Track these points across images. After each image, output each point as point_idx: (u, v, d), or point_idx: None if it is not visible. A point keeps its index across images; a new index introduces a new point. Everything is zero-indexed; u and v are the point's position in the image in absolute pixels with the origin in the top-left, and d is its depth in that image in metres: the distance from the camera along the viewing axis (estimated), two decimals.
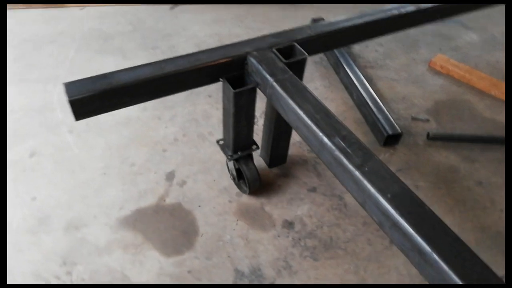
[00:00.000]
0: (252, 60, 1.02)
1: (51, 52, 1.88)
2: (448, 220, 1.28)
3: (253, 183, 1.27)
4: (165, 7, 2.28)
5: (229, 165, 1.33)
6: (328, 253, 1.18)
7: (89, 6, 2.24)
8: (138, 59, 1.87)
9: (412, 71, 1.93)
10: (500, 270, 1.13)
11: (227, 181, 1.35)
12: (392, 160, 1.47)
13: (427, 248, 0.65)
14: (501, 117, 1.69)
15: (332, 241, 1.21)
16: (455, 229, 1.24)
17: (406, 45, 2.11)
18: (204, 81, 1.04)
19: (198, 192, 1.31)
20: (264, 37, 1.11)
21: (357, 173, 0.75)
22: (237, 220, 1.24)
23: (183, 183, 1.34)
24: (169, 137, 1.50)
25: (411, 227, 0.67)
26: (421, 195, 1.34)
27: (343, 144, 0.81)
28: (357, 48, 2.05)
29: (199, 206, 1.27)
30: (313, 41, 1.13)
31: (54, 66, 1.80)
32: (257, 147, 1.25)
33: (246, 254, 1.16)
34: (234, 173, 1.30)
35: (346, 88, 1.77)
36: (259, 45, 1.07)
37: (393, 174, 0.76)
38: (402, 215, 0.69)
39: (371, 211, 0.75)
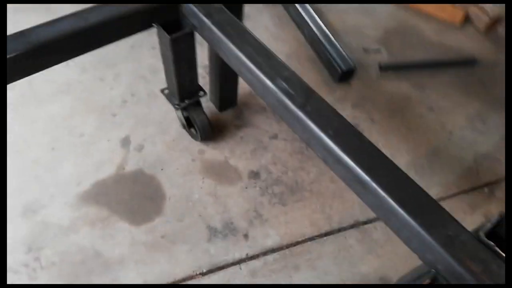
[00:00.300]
0: (190, 6, 0.93)
1: None
2: (403, 147, 1.35)
3: (203, 129, 1.25)
4: None
5: (177, 114, 1.29)
6: (295, 196, 1.21)
7: None
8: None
9: None
10: (450, 190, 1.23)
11: (187, 139, 1.31)
12: (347, 96, 1.48)
13: (366, 177, 0.68)
14: (448, 40, 1.72)
15: (298, 184, 1.24)
16: (410, 155, 1.32)
17: None
18: (136, 28, 0.94)
19: (159, 155, 1.27)
20: None
21: (300, 113, 0.76)
22: (203, 178, 1.23)
23: (140, 148, 1.28)
24: (117, 99, 1.40)
25: (351, 160, 0.70)
26: (377, 127, 1.39)
27: (286, 86, 0.80)
28: None
29: (162, 169, 1.24)
30: None
31: None
32: (204, 93, 1.21)
33: (217, 210, 1.17)
34: (184, 121, 1.27)
35: (297, 25, 1.70)
36: None
37: (335, 111, 0.77)
38: (343, 150, 0.71)
39: (315, 149, 0.77)
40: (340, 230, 1.15)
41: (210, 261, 1.07)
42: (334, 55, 1.51)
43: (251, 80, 0.85)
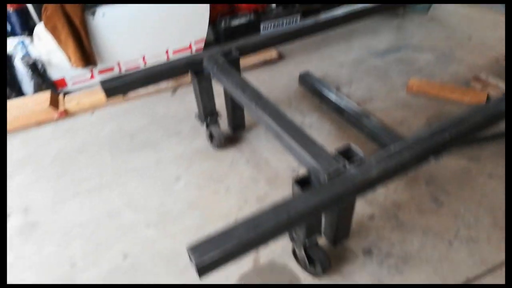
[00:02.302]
0: (207, 60, 1.77)
1: (89, 162, 2.03)
2: (483, 211, 1.59)
3: (219, 139, 1.99)
4: (167, 94, 2.52)
5: (205, 129, 2.03)
6: (407, 265, 1.42)
7: (98, 110, 2.43)
8: (167, 149, 2.07)
9: (397, 98, 2.31)
10: None
11: None
12: (419, 175, 1.77)
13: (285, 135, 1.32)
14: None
15: (408, 254, 1.45)
16: (490, 217, 1.55)
17: (380, 77, 2.51)
18: (181, 73, 1.83)
19: (282, 246, 1.51)
20: (213, 48, 1.87)
21: (261, 112, 1.44)
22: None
23: None
24: (234, 207, 1.70)
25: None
26: (454, 197, 1.65)
27: (262, 104, 1.48)
28: (345, 89, 2.40)
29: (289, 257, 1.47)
30: (245, 47, 1.89)
31: (99, 173, 1.95)
32: (219, 115, 1.99)
33: None
34: (208, 133, 2.02)
35: (355, 126, 2.08)
36: (211, 52, 1.82)
37: (274, 107, 1.45)
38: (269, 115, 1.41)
39: (269, 129, 1.43)
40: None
41: None
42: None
43: (242, 100, 1.57)
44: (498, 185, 1.70)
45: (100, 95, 2.44)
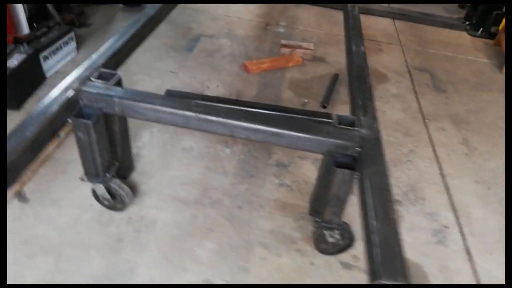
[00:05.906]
0: (85, 94, 1.22)
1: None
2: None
3: (127, 195, 1.47)
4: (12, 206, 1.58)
5: (98, 191, 1.44)
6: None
7: None
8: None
9: (251, 84, 2.47)
10: None
11: None
12: None
13: (280, 130, 1.20)
14: (300, 75, 2.62)
15: None
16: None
17: (217, 70, 2.55)
18: (64, 123, 1.21)
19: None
20: (77, 71, 1.30)
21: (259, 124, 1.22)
22: None
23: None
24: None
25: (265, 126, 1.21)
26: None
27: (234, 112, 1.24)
28: (208, 93, 2.32)
29: None
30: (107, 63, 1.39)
31: None
32: (119, 164, 1.44)
33: None
34: (107, 195, 1.44)
35: None
36: (75, 85, 1.23)
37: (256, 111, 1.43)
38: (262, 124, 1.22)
39: (255, 135, 1.23)
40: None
41: None
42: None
43: (195, 121, 1.22)
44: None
45: None
